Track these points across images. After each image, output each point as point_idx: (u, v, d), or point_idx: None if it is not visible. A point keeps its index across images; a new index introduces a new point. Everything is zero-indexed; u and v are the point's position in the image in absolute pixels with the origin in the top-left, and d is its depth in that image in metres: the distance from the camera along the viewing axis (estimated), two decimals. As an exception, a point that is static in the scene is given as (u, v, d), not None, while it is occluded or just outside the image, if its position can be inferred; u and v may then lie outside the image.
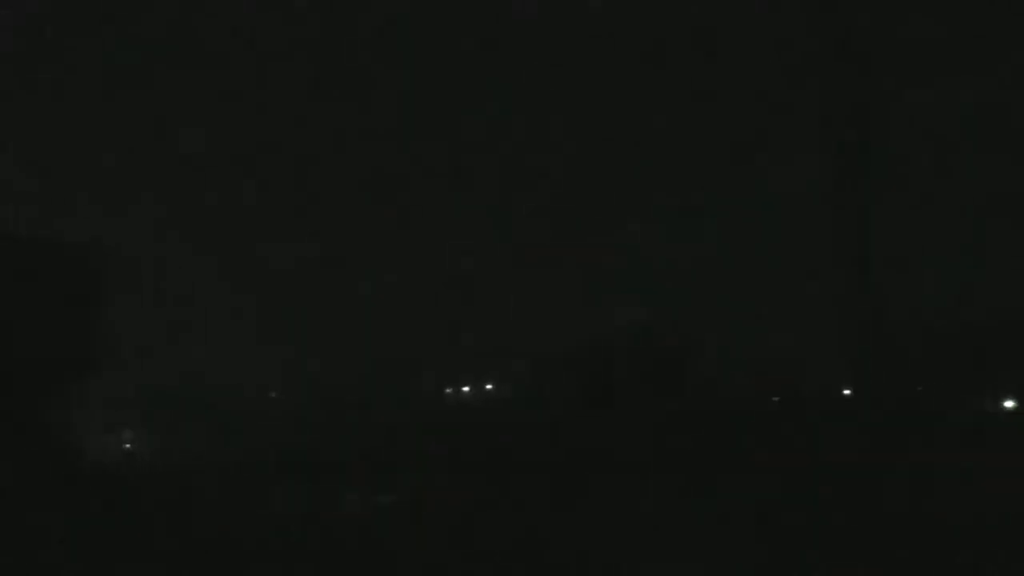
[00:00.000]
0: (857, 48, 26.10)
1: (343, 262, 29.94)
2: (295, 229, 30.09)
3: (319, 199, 29.99)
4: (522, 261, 29.38)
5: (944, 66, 26.56)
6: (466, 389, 29.24)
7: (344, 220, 30.09)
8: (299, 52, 29.74)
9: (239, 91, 29.94)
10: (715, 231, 28.00)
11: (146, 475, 27.11)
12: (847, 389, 25.95)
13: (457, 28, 29.44)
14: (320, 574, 20.86)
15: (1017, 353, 24.74)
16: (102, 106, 29.46)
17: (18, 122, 28.18)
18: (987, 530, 20.47)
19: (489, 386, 28.82)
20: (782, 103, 27.34)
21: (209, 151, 29.91)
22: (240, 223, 29.84)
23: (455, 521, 22.16)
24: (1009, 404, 24.40)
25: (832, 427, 24.91)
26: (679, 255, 27.58)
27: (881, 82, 26.40)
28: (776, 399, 26.45)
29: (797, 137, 27.03)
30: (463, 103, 29.85)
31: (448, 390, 29.36)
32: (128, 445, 28.02)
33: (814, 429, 24.67)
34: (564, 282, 28.69)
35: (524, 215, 29.56)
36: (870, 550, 20.93)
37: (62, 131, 28.72)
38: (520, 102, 29.82)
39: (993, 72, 26.48)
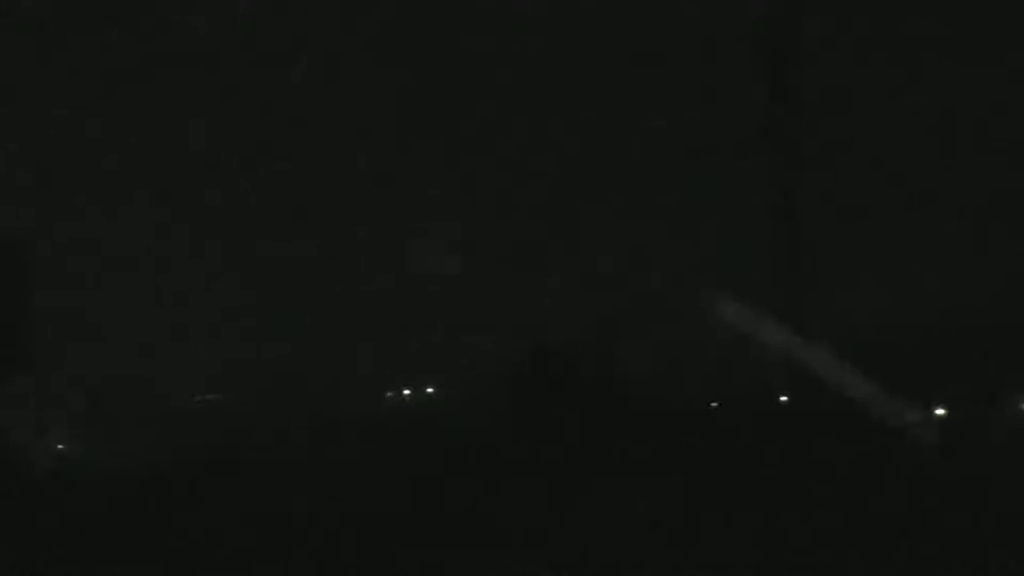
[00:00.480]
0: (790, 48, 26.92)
1: (303, 262, 29.49)
2: (255, 226, 29.65)
3: (281, 197, 29.64)
4: (483, 261, 29.09)
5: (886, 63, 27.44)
6: (407, 392, 28.76)
7: (306, 221, 29.65)
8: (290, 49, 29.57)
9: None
10: (655, 232, 28.40)
11: (83, 479, 26.71)
12: (783, 396, 26.45)
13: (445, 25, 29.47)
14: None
15: (952, 361, 25.60)
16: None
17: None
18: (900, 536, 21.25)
19: (430, 389, 28.47)
20: (724, 107, 27.94)
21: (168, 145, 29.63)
22: (197, 219, 29.42)
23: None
24: (939, 412, 25.15)
25: (761, 433, 25.37)
26: (621, 257, 28.01)
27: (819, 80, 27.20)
28: (714, 404, 26.91)
29: (738, 141, 27.69)
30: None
31: (389, 393, 28.94)
32: (61, 447, 27.46)
33: (743, 434, 25.17)
34: (519, 284, 28.65)
35: (481, 218, 29.50)
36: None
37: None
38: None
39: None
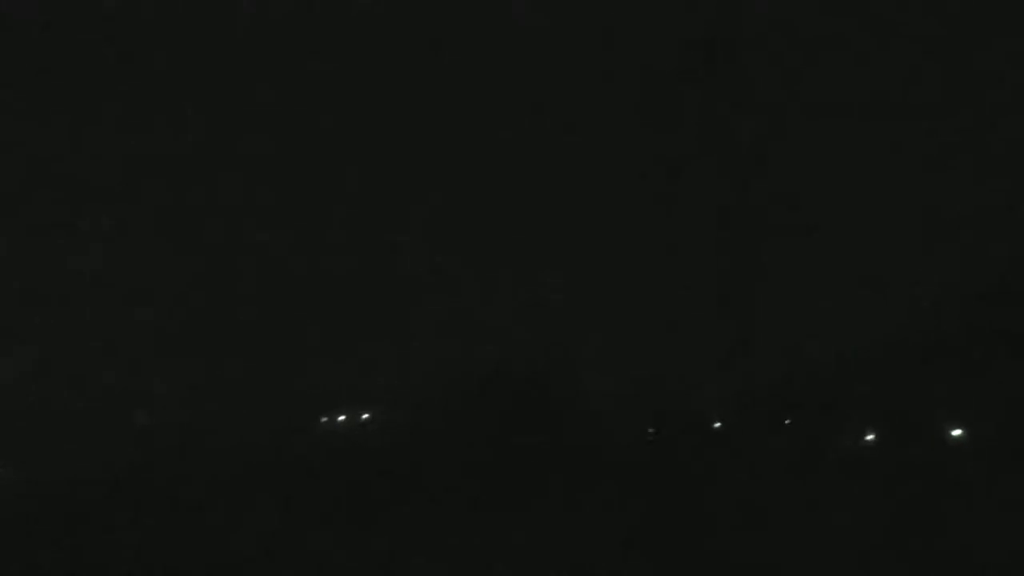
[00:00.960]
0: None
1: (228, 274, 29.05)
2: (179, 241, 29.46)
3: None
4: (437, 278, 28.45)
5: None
6: (342, 419, 27.32)
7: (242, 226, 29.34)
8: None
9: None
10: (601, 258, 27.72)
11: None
12: (718, 421, 25.61)
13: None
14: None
15: (887, 384, 24.55)
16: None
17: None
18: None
19: (365, 415, 27.20)
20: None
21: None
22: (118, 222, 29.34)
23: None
24: (870, 437, 24.19)
25: (698, 459, 24.67)
26: (571, 284, 27.36)
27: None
28: (652, 430, 26.15)
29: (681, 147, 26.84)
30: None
31: (324, 419, 27.50)
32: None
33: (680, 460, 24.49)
34: (469, 303, 28.04)
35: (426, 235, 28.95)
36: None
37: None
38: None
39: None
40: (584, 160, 26.94)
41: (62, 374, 27.33)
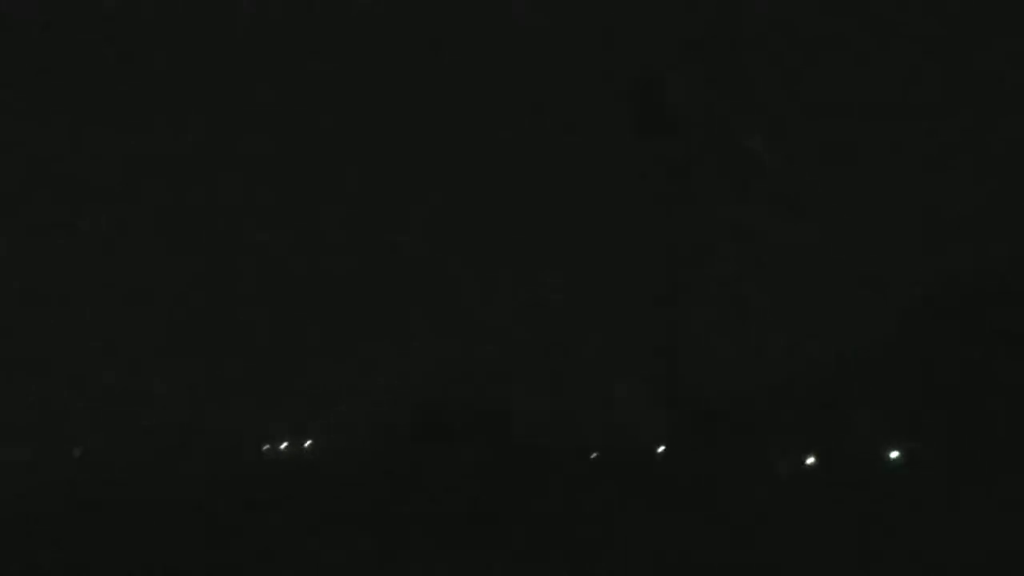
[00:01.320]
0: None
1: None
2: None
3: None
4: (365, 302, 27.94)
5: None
6: (284, 446, 26.58)
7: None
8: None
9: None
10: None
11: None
12: (660, 447, 25.29)
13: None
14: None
15: (824, 410, 24.56)
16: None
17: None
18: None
19: (309, 442, 26.51)
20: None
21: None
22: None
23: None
24: (810, 460, 24.11)
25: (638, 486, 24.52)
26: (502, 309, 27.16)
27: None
28: (593, 456, 25.99)
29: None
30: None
31: (266, 446, 26.76)
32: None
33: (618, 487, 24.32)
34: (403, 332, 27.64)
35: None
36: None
37: None
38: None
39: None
40: (584, 160, 26.95)
41: (62, 374, 27.39)
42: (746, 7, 26.49)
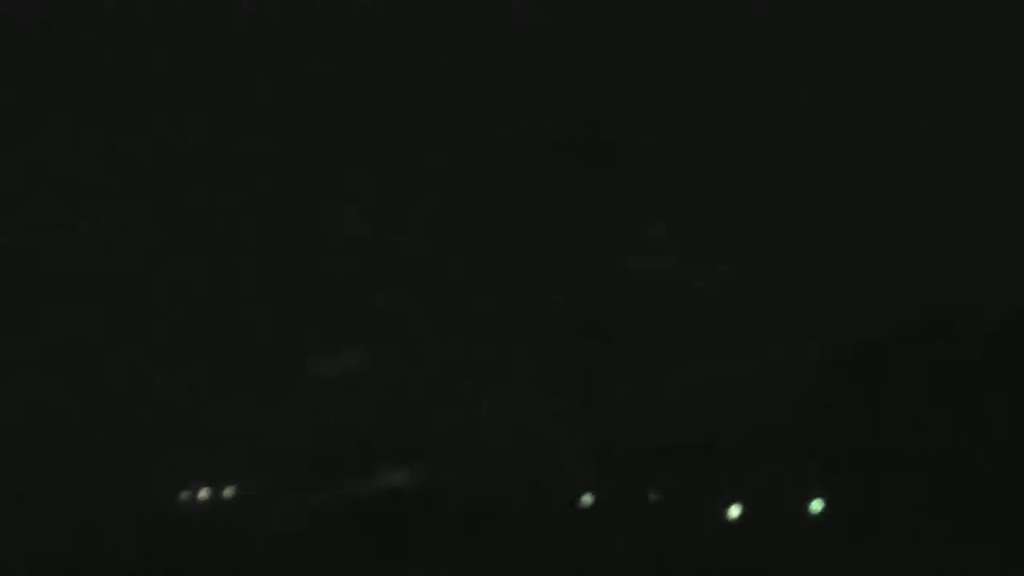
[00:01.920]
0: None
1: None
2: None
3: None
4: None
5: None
6: (203, 495, 24.66)
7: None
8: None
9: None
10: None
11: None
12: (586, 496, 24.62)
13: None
14: None
15: (756, 455, 24.48)
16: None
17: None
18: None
19: (228, 490, 24.72)
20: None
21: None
22: None
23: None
24: (735, 512, 23.95)
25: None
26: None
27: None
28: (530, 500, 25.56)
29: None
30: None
31: (184, 494, 25.09)
32: None
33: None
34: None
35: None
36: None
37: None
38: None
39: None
40: (583, 159, 26.93)
41: (62, 374, 27.28)
42: (746, 7, 26.61)
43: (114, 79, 29.78)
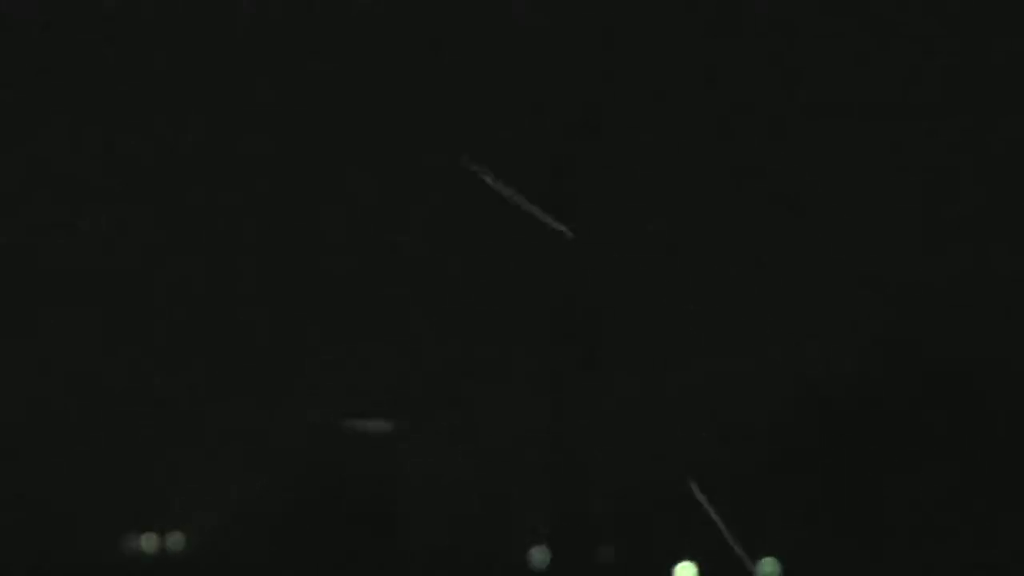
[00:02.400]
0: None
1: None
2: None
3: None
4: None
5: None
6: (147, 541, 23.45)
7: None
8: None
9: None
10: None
11: None
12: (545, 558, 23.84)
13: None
14: None
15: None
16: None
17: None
18: None
19: (176, 536, 23.66)
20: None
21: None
22: None
23: None
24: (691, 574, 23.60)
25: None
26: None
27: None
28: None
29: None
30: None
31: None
32: None
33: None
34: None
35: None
36: None
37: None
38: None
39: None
40: (583, 159, 26.93)
41: (62, 374, 27.20)
42: (746, 7, 26.62)
43: (114, 79, 29.78)
